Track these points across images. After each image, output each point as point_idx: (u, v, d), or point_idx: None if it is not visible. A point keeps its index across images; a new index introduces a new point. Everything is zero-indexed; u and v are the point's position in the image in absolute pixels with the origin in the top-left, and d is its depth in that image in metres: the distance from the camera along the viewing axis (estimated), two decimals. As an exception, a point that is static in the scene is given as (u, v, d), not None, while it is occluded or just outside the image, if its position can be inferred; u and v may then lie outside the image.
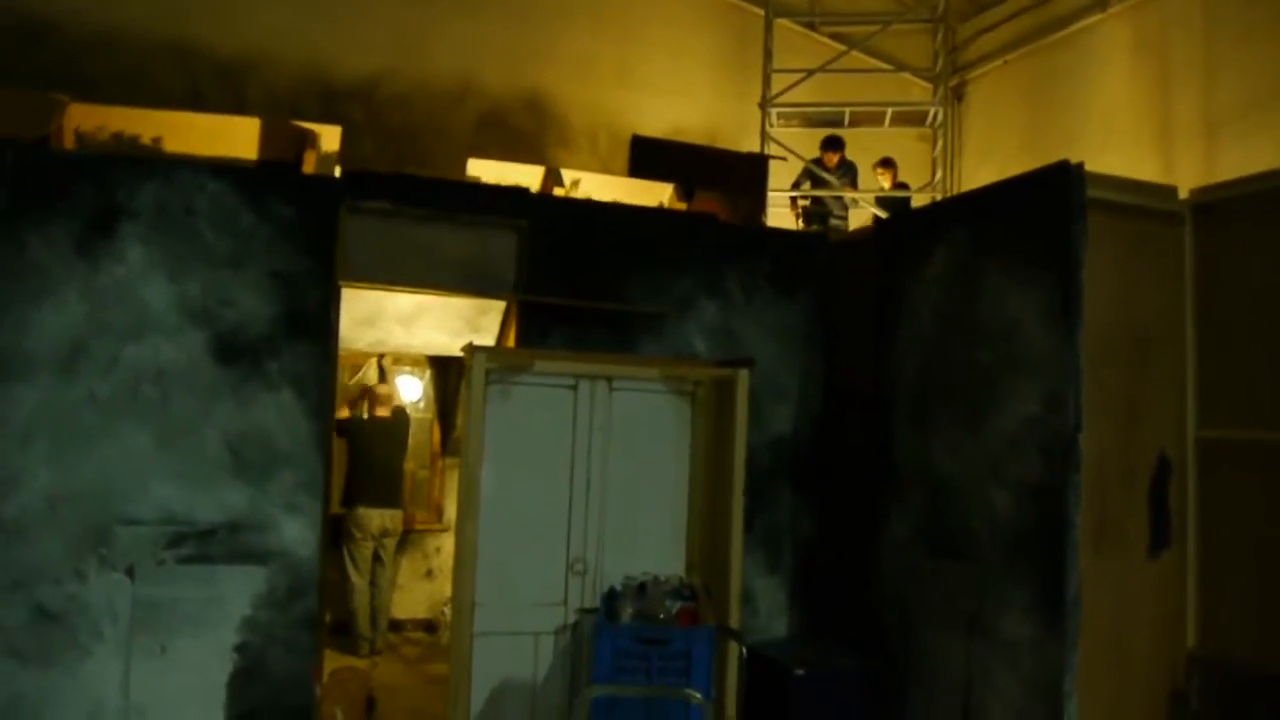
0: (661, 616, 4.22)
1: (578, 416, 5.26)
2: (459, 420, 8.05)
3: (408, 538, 8.21)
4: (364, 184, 5.18)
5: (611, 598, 4.40)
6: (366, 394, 7.77)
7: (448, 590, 8.36)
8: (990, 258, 4.66)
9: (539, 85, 10.51)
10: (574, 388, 5.27)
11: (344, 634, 7.52)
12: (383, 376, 8.04)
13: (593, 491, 5.28)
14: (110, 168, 4.81)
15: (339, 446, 7.78)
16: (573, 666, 5.14)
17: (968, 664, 4.63)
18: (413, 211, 5.23)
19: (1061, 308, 4.22)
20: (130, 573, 4.72)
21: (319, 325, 5.00)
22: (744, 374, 5.15)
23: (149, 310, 4.78)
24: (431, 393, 8.38)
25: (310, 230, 5.02)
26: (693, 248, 5.74)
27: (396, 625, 8.16)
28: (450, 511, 8.36)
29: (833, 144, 9.75)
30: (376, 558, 7.61)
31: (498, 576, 5.03)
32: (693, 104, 11.00)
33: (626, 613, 4.27)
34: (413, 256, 5.20)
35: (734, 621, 5.06)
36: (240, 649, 4.84)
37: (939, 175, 10.11)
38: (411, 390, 8.36)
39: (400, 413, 7.84)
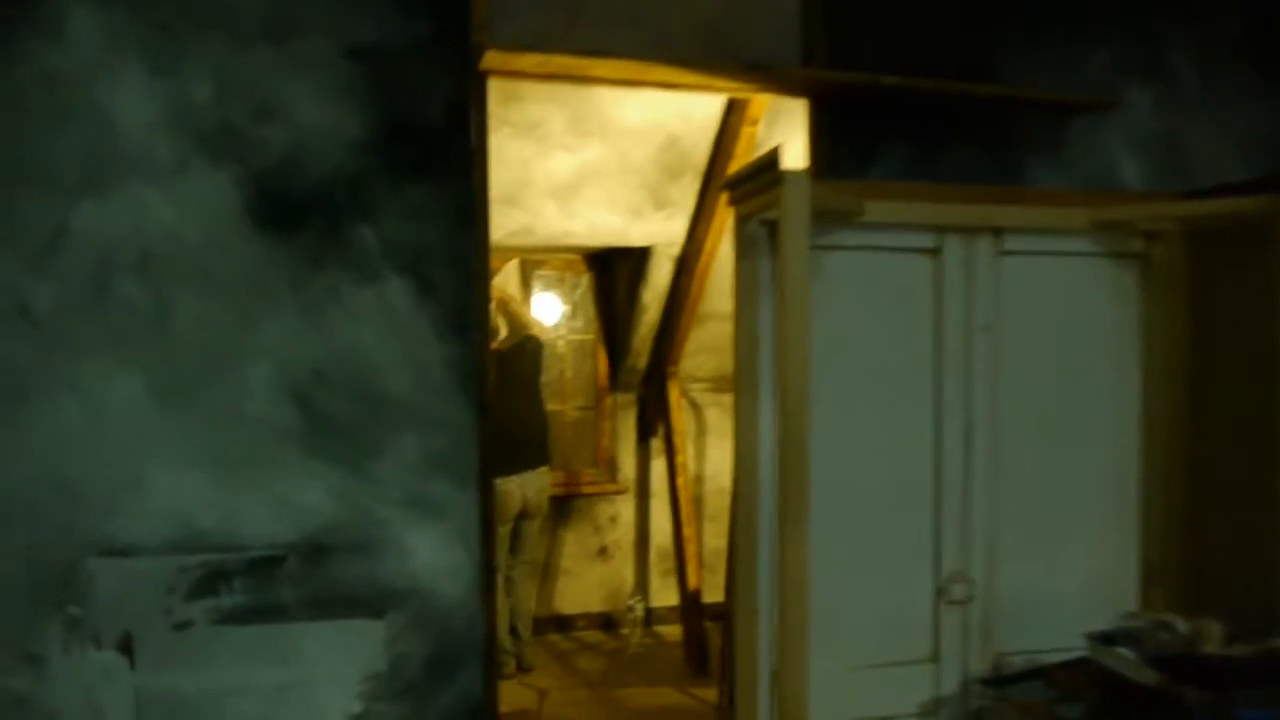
0: None
1: (945, 306, 2.64)
2: (635, 338, 5.51)
3: (571, 504, 5.78)
4: None
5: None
6: (500, 309, 5.20)
7: (628, 574, 5.92)
8: None
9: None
10: (935, 252, 2.63)
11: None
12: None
13: (976, 448, 2.67)
14: None
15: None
16: (970, 785, 2.61)
17: None
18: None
19: None
20: (126, 648, 2.33)
21: (450, 150, 2.46)
22: (1299, 200, 2.44)
23: (117, 133, 2.30)
24: (592, 306, 5.85)
25: (420, -35, 2.46)
26: (1109, -7, 3.00)
27: (564, 623, 5.78)
28: (627, 468, 5.88)
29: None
30: (513, 544, 5.12)
31: (814, 614, 2.50)
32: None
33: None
34: (616, 6, 2.58)
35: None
36: (346, 774, 2.43)
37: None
38: (549, 311, 5.81)
39: (528, 344, 5.23)
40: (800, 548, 2.12)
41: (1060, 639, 2.68)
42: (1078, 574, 2.77)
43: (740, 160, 4.46)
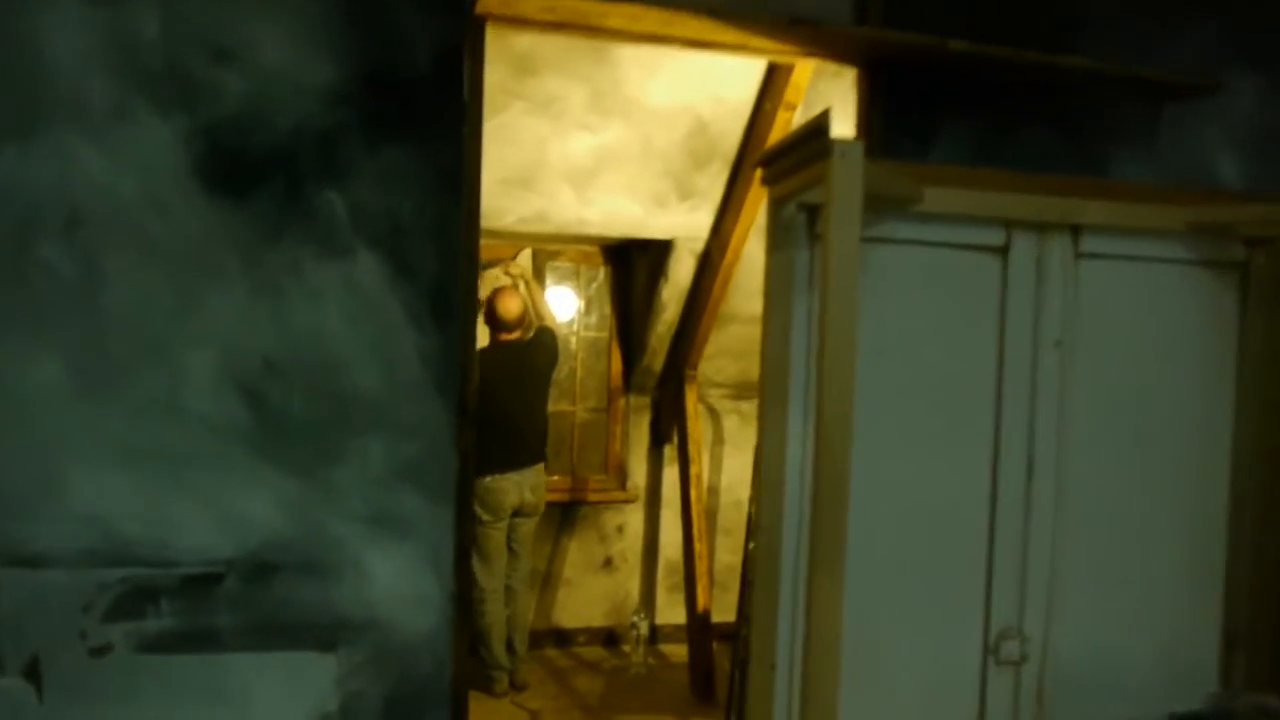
0: None
1: (1011, 315, 2.24)
2: (652, 337, 5.12)
3: (576, 511, 5.41)
4: None
5: None
6: (488, 304, 4.76)
7: (634, 588, 5.54)
8: None
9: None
10: (1002, 251, 2.24)
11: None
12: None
13: (1038, 483, 2.27)
14: None
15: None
16: None
17: None
18: None
19: None
20: (33, 674, 1.98)
21: (438, 105, 2.09)
22: None
23: (45, 70, 1.95)
24: (608, 302, 5.47)
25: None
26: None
27: (563, 638, 5.41)
28: (638, 475, 5.50)
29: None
30: (509, 548, 4.72)
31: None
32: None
33: None
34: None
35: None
36: (287, 830, 2.07)
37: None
38: (564, 305, 5.43)
39: (543, 336, 4.87)
40: (834, 600, 1.74)
41: (1126, 707, 2.30)
42: (1149, 634, 2.36)
43: (774, 148, 4.07)
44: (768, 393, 2.10)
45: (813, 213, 2.11)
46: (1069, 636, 2.29)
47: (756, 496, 2.10)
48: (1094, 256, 2.28)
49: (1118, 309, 2.32)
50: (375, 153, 2.06)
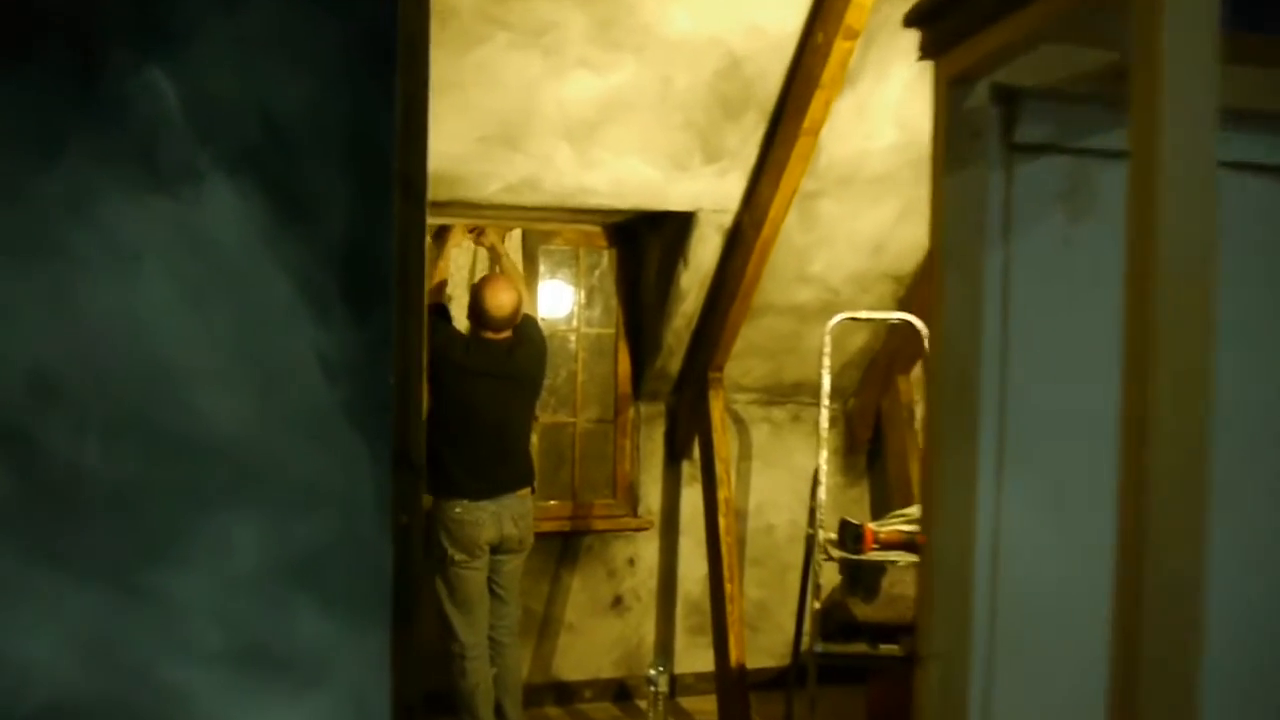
0: None
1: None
2: (668, 333, 4.20)
3: (578, 542, 4.48)
4: None
5: None
6: (474, 296, 3.81)
7: (648, 632, 4.62)
8: None
9: None
10: (1308, 174, 1.35)
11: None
12: (493, 258, 4.10)
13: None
14: None
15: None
16: None
17: None
18: None
19: None
20: None
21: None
22: None
23: None
24: (614, 293, 4.53)
25: None
26: None
27: (565, 693, 4.48)
28: (651, 497, 4.57)
29: None
30: (491, 590, 3.79)
31: None
32: None
33: None
34: None
35: None
36: None
37: None
38: (558, 299, 4.51)
39: (527, 328, 3.92)
40: None
41: None
42: None
43: (830, 92, 3.17)
44: (944, 416, 1.17)
45: (1012, 103, 1.19)
46: None
47: (922, 596, 1.20)
48: None
49: None
50: (235, 1, 1.13)
